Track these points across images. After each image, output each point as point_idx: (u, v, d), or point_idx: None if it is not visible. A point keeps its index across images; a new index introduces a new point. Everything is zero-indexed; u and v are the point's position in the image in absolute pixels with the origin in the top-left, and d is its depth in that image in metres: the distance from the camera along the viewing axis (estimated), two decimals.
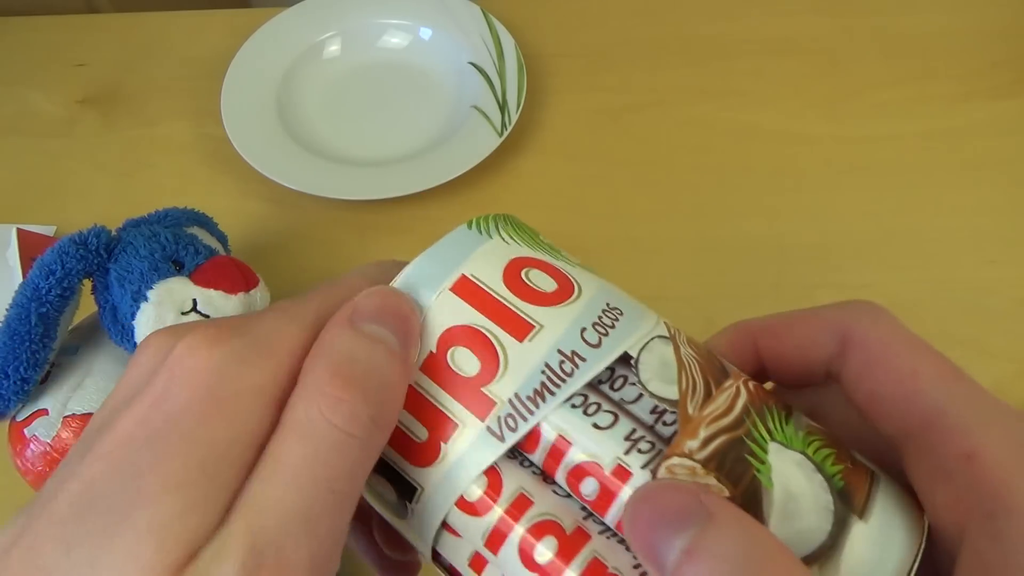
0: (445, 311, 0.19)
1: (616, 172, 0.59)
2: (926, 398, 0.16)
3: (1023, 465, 0.15)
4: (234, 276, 0.40)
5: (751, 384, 0.19)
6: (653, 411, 0.18)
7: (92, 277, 0.40)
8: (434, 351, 0.18)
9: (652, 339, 0.19)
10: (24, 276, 0.41)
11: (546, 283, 0.19)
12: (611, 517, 0.17)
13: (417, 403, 0.18)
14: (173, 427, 0.15)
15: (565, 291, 0.19)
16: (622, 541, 0.17)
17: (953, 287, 0.52)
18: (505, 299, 0.19)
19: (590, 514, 0.18)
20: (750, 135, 0.61)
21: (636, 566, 0.17)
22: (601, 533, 0.17)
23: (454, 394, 0.18)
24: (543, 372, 0.18)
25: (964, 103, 0.61)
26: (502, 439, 0.17)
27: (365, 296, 0.18)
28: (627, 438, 0.17)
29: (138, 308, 0.39)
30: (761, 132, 0.61)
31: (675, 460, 0.17)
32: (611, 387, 0.18)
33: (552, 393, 0.18)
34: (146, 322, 0.38)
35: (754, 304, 0.52)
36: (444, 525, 0.18)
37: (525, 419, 0.17)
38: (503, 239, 0.21)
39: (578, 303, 0.19)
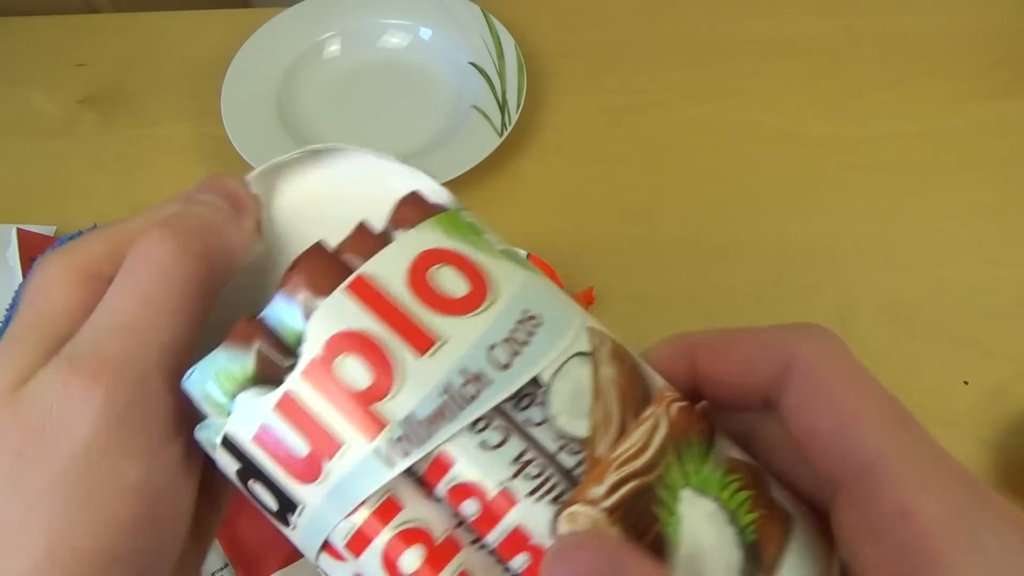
0: (335, 314, 0.17)
1: (616, 172, 0.59)
2: (865, 443, 0.15)
3: (960, 529, 0.14)
4: None
5: (674, 409, 0.17)
6: (558, 439, 0.16)
7: None
8: (319, 357, 0.17)
9: (569, 359, 0.17)
10: (24, 276, 0.41)
11: (456, 285, 0.17)
12: (492, 539, 0.16)
13: (296, 415, 0.17)
14: (22, 305, 0.20)
15: (477, 296, 0.17)
16: (493, 553, 0.17)
17: (953, 287, 0.52)
18: (405, 305, 0.17)
19: (462, 523, 0.17)
20: (750, 135, 0.61)
21: None
22: (473, 544, 0.17)
23: (339, 409, 0.16)
24: (443, 394, 0.16)
25: (964, 103, 0.61)
26: (391, 465, 0.16)
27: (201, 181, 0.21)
28: (515, 460, 0.16)
29: None
30: (761, 132, 0.61)
31: (578, 508, 0.16)
32: (515, 405, 0.17)
33: (453, 418, 0.16)
34: None
35: (754, 304, 0.52)
36: (325, 546, 0.18)
37: (420, 444, 0.16)
38: (413, 230, 0.18)
39: (490, 312, 0.17)
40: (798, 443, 0.16)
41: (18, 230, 0.50)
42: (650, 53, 0.66)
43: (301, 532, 0.18)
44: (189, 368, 0.18)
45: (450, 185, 0.56)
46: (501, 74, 0.62)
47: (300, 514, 0.17)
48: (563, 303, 0.18)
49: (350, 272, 0.17)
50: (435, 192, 0.20)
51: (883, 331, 0.50)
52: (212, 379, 0.18)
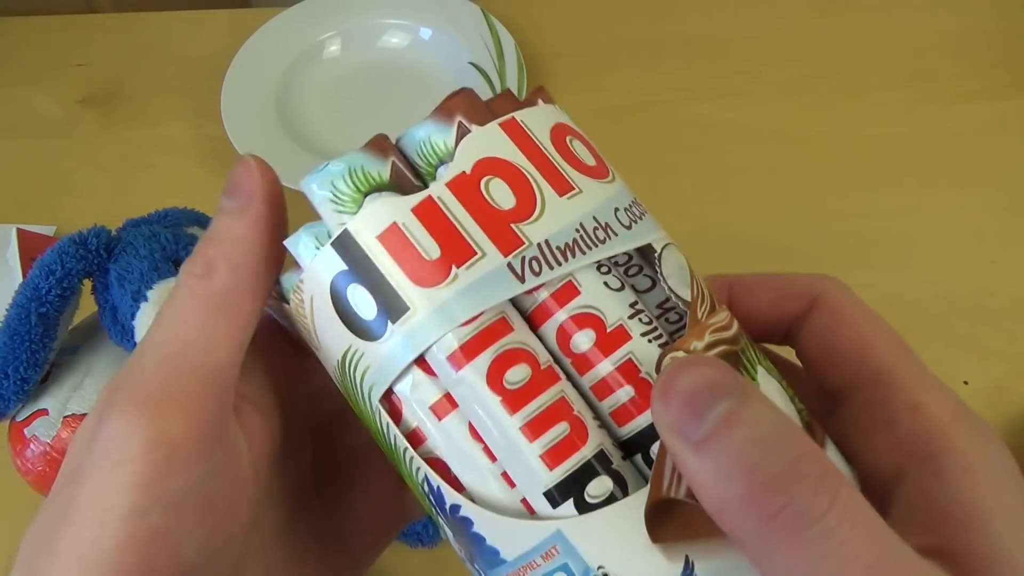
0: (488, 141, 0.18)
1: (616, 172, 0.59)
2: (880, 358, 0.18)
3: (959, 417, 0.17)
4: None
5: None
6: (660, 305, 0.19)
7: (92, 277, 0.40)
8: (468, 172, 0.18)
9: (669, 244, 0.20)
10: (24, 276, 0.41)
11: (586, 156, 0.19)
12: (591, 376, 0.18)
13: (434, 218, 0.17)
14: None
15: (602, 170, 0.19)
16: (585, 394, 0.18)
17: (953, 287, 0.52)
18: (549, 153, 0.18)
19: (558, 361, 0.18)
20: (750, 135, 0.61)
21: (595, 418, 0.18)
22: (567, 381, 0.18)
23: (480, 221, 0.17)
24: (577, 231, 0.17)
25: (963, 103, 0.61)
26: (522, 280, 0.17)
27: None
28: (632, 306, 0.18)
29: (138, 308, 0.39)
30: (761, 132, 0.61)
31: (680, 354, 0.17)
32: (626, 272, 0.19)
33: (584, 252, 0.17)
34: (146, 322, 0.38)
35: None
36: (420, 360, 0.17)
37: (551, 267, 0.17)
38: (552, 105, 0.20)
39: (613, 185, 0.19)
40: (813, 363, 0.19)
41: (18, 230, 0.50)
42: (650, 53, 0.66)
43: (396, 342, 0.17)
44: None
45: None
46: (501, 74, 0.62)
47: (405, 320, 0.17)
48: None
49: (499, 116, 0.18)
50: None
51: None
52: (345, 175, 0.18)
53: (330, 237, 0.18)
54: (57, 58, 0.69)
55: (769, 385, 0.18)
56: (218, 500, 0.18)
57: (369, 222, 0.18)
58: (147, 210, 0.45)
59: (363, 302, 0.17)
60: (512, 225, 0.17)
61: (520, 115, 0.19)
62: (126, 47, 0.70)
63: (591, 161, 0.19)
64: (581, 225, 0.18)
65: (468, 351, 0.17)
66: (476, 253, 0.17)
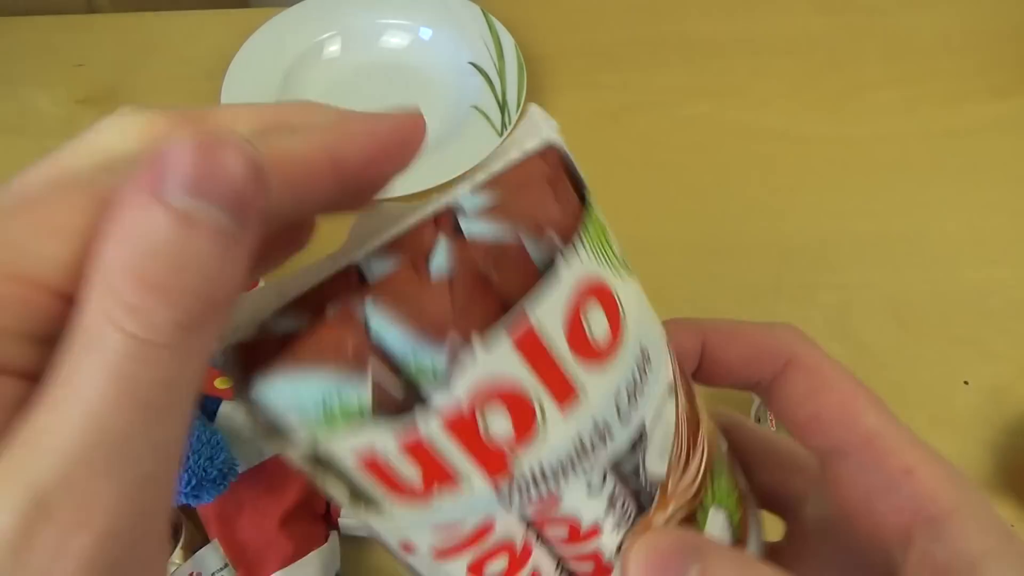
0: (496, 366, 0.15)
1: (616, 172, 0.59)
2: (865, 422, 0.19)
3: (951, 478, 0.18)
4: None
5: (709, 425, 0.19)
6: (644, 480, 0.18)
7: None
8: (464, 406, 0.15)
9: (664, 397, 0.17)
10: None
11: (601, 326, 0.16)
12: (566, 553, 0.18)
13: (422, 456, 0.15)
14: None
15: (615, 338, 0.16)
16: (554, 554, 0.18)
17: (953, 287, 0.52)
18: (562, 358, 0.15)
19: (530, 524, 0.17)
20: (750, 135, 0.61)
21: None
22: (537, 541, 0.18)
23: (470, 456, 0.15)
24: (574, 447, 0.16)
25: (964, 103, 0.61)
26: (508, 507, 0.16)
27: (178, 148, 0.12)
28: (610, 498, 0.17)
29: None
30: (761, 132, 0.61)
31: (641, 541, 0.17)
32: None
33: (575, 471, 0.16)
34: None
35: (754, 304, 0.52)
36: (403, 546, 0.17)
37: (539, 490, 0.16)
38: (579, 248, 0.16)
39: (620, 356, 0.16)
40: (797, 428, 0.20)
41: None
42: (650, 53, 0.66)
43: (375, 528, 0.17)
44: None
45: (450, 185, 0.56)
46: (501, 74, 0.62)
47: (385, 516, 0.16)
48: (653, 319, 0.19)
49: (501, 303, 0.15)
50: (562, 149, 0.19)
51: (883, 331, 0.50)
52: (319, 408, 0.14)
53: (305, 451, 0.16)
54: (57, 58, 0.69)
55: (715, 524, 0.18)
56: None
57: (346, 451, 0.15)
58: None
59: (337, 492, 0.16)
60: (506, 455, 0.15)
61: (535, 317, 0.15)
62: (126, 47, 0.70)
63: (604, 332, 0.16)
64: (579, 439, 0.16)
65: (447, 553, 0.17)
66: (461, 486, 0.16)
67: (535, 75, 0.64)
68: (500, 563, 0.17)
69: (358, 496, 0.16)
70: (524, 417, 0.15)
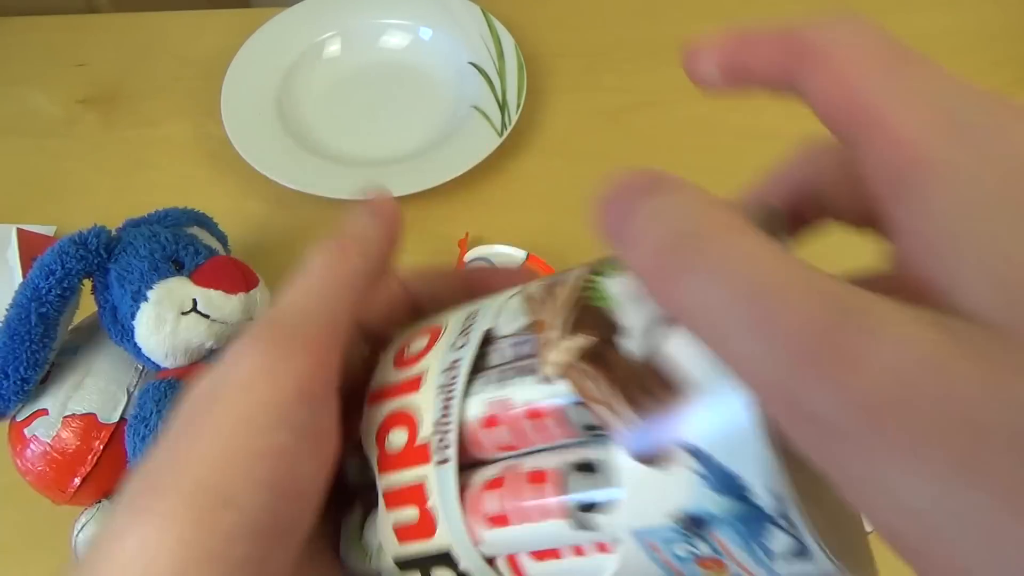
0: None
1: (616, 172, 0.59)
2: (859, 88, 0.16)
3: (943, 137, 0.14)
4: (234, 276, 0.41)
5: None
6: (515, 346, 0.19)
7: (92, 277, 0.40)
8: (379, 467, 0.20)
9: (507, 302, 0.20)
10: (24, 276, 0.41)
11: (420, 343, 0.21)
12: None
13: (392, 494, 0.19)
14: None
15: (434, 335, 0.21)
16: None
17: None
18: (397, 381, 0.20)
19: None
20: (750, 135, 0.61)
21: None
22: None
23: (403, 465, 0.19)
24: (440, 395, 0.19)
25: None
26: (446, 461, 0.18)
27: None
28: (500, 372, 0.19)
29: (138, 308, 0.39)
30: (761, 132, 0.61)
31: (552, 355, 0.17)
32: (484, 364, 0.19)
33: (451, 399, 0.19)
34: (146, 322, 0.38)
35: None
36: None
37: (447, 431, 0.18)
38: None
39: (446, 334, 0.21)
40: (825, 122, 0.17)
41: (18, 230, 0.50)
42: (649, 52, 0.66)
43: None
44: None
45: (450, 185, 0.56)
46: (501, 74, 0.62)
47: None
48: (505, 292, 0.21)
49: None
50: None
51: None
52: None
53: None
54: (57, 58, 0.69)
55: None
56: (318, 450, 0.19)
57: None
58: (147, 210, 0.45)
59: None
60: (416, 443, 0.19)
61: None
62: (126, 47, 0.70)
63: (423, 342, 0.21)
64: (440, 387, 0.19)
65: None
66: (422, 484, 0.19)
67: (535, 75, 0.64)
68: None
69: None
70: (406, 420, 0.20)
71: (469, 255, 0.51)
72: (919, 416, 0.11)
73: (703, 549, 0.15)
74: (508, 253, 0.50)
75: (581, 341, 0.17)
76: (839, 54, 0.16)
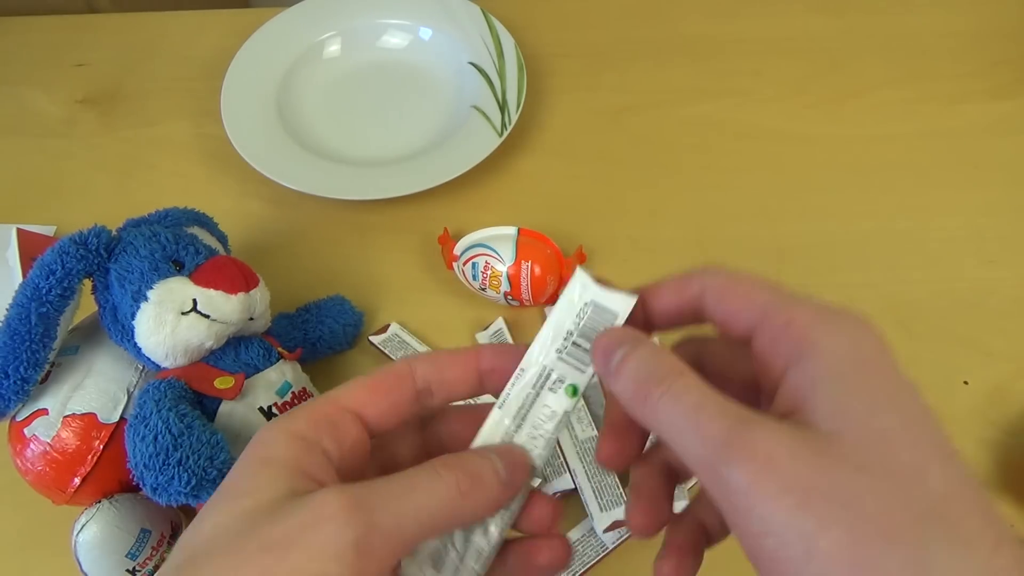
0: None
1: (616, 172, 0.59)
2: (759, 301, 0.23)
3: (820, 323, 0.22)
4: (234, 276, 0.40)
5: None
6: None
7: (92, 277, 0.40)
8: None
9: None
10: (24, 276, 0.41)
11: None
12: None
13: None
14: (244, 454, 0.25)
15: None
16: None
17: (953, 287, 0.52)
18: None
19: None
20: (750, 135, 0.61)
21: None
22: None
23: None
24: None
25: (964, 103, 0.61)
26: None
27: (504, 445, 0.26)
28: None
29: (138, 308, 0.39)
30: (761, 132, 0.61)
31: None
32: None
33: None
34: (146, 322, 0.38)
35: None
36: None
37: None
38: None
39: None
40: (722, 328, 0.25)
41: (18, 230, 0.50)
42: (650, 53, 0.66)
43: None
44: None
45: (450, 185, 0.56)
46: (501, 74, 0.62)
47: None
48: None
49: None
50: None
51: (883, 331, 0.50)
52: None
53: None
54: (57, 58, 0.69)
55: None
56: None
57: None
58: (147, 210, 0.45)
59: None
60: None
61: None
62: (126, 47, 0.70)
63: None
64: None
65: None
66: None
67: (535, 75, 0.64)
68: None
69: None
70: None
71: (461, 244, 0.51)
72: (786, 480, 0.19)
73: None
74: (500, 233, 0.50)
75: None
76: (734, 284, 0.24)
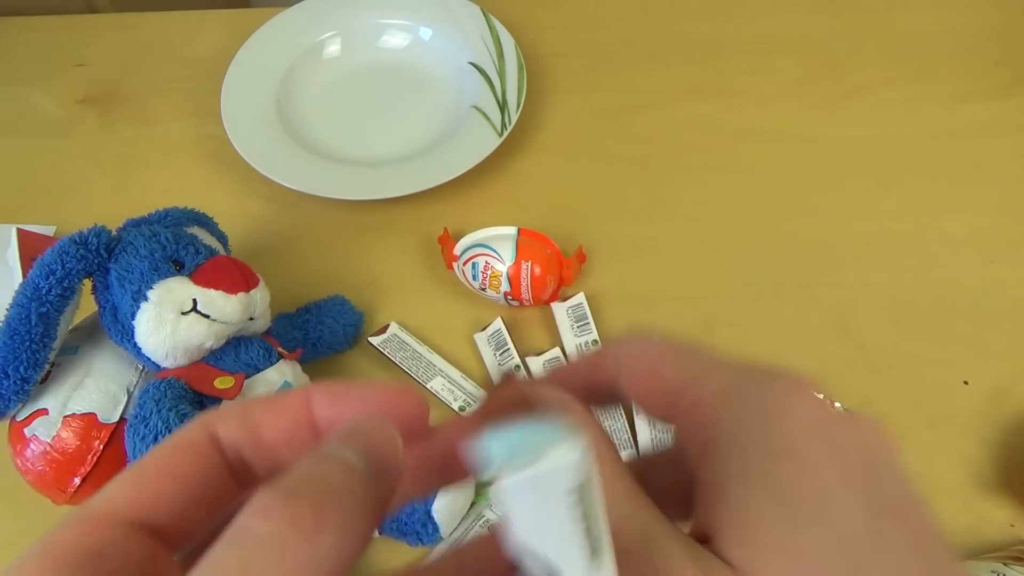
0: None
1: (616, 172, 0.59)
2: (669, 376, 0.19)
3: (732, 399, 0.18)
4: (234, 276, 0.40)
5: None
6: None
7: (92, 277, 0.40)
8: None
9: None
10: (24, 276, 0.41)
11: None
12: None
13: None
14: None
15: None
16: None
17: (953, 287, 0.52)
18: None
19: None
20: (750, 135, 0.61)
21: None
22: None
23: None
24: None
25: (964, 103, 0.61)
26: None
27: (343, 426, 0.17)
28: None
29: (138, 308, 0.39)
30: (761, 132, 0.61)
31: None
32: None
33: None
34: (146, 322, 0.38)
35: (754, 304, 0.52)
36: None
37: None
38: None
39: None
40: (642, 411, 0.21)
41: (18, 230, 0.50)
42: (650, 53, 0.66)
43: None
44: None
45: (450, 185, 0.56)
46: (501, 74, 0.62)
47: None
48: None
49: None
50: None
51: (883, 331, 0.50)
52: None
53: None
54: (57, 58, 0.69)
55: None
56: None
57: None
58: (147, 210, 0.45)
59: None
60: None
61: None
62: (126, 47, 0.70)
63: None
64: None
65: None
66: None
67: (535, 75, 0.64)
68: None
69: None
70: None
71: (461, 244, 0.51)
72: None
73: None
74: (500, 233, 0.50)
75: None
76: (644, 357, 0.20)
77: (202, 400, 0.39)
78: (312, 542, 0.14)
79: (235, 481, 0.18)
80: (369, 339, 0.50)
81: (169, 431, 0.36)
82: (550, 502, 0.15)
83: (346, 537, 0.15)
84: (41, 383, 0.40)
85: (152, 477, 0.17)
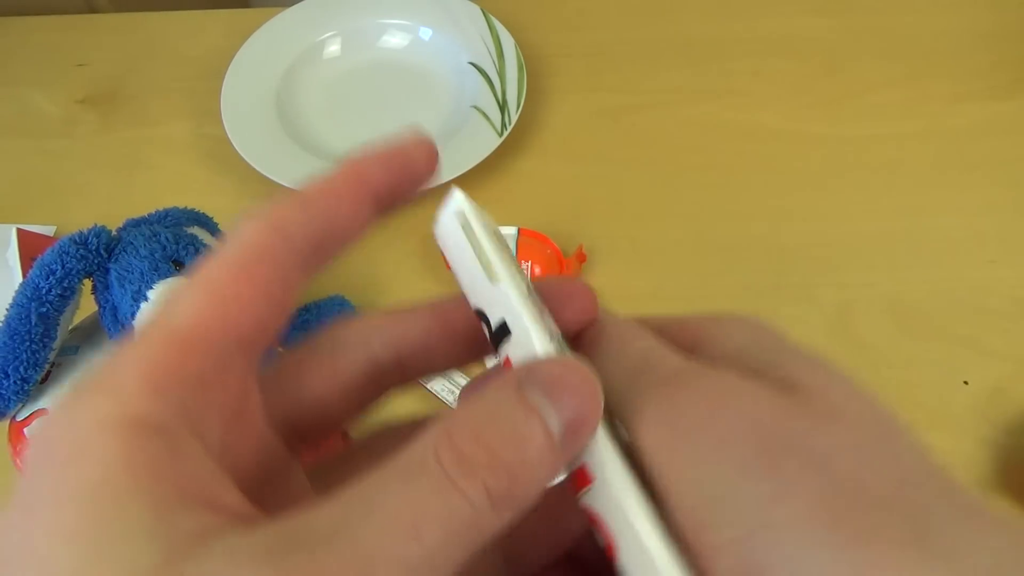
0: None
1: (616, 172, 0.59)
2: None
3: (677, 448, 0.15)
4: None
5: None
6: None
7: (92, 277, 0.40)
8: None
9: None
10: (24, 276, 0.41)
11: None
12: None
13: None
14: None
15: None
16: None
17: (953, 287, 0.52)
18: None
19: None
20: (750, 135, 0.61)
21: None
22: None
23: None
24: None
25: (964, 103, 0.61)
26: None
27: (548, 362, 0.15)
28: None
29: (138, 308, 0.39)
30: (761, 132, 0.61)
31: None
32: None
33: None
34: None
35: (754, 304, 0.52)
36: None
37: None
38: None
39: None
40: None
41: (18, 230, 0.50)
42: (650, 53, 0.66)
43: None
44: None
45: (450, 185, 0.56)
46: (501, 74, 0.62)
47: None
48: None
49: None
50: None
51: (883, 331, 0.50)
52: None
53: None
54: (57, 58, 0.69)
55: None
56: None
57: None
58: (147, 210, 0.45)
59: None
60: None
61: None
62: (126, 47, 0.70)
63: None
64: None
65: None
66: None
67: (535, 75, 0.64)
68: None
69: None
70: None
71: None
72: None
73: None
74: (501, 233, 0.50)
75: None
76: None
77: None
78: (499, 517, 0.13)
79: (303, 271, 0.16)
80: None
81: None
82: (454, 236, 0.20)
83: (519, 515, 0.14)
84: (41, 383, 0.40)
85: (234, 293, 0.15)
